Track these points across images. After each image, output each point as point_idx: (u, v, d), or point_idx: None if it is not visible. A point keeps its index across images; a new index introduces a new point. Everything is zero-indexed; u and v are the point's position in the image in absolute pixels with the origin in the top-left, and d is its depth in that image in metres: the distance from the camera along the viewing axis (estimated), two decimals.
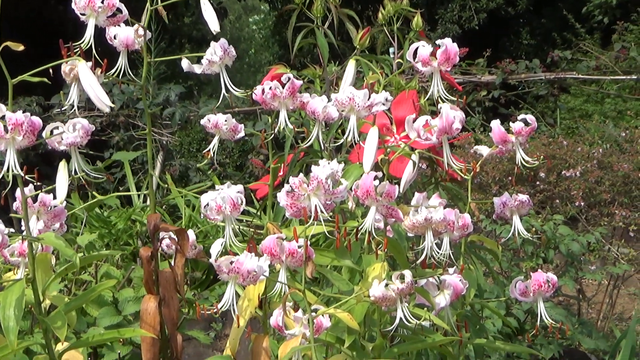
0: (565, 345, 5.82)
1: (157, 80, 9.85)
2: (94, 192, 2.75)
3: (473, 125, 9.20)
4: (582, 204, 6.73)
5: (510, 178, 6.75)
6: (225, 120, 2.77)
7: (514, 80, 9.05)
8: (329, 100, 2.58)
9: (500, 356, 5.43)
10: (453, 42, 2.66)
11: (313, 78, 3.76)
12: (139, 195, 8.10)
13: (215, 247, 2.25)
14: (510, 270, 5.96)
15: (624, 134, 7.78)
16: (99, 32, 2.46)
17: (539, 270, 2.78)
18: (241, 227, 2.76)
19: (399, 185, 2.63)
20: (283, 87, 2.62)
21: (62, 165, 2.36)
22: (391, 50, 4.55)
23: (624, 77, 8.60)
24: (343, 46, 3.65)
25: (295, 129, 2.74)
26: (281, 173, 3.06)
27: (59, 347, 2.48)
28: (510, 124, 2.72)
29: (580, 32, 11.77)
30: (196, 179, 9.31)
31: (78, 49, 2.35)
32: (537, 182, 6.83)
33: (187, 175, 9.42)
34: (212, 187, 2.50)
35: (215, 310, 2.23)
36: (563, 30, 14.55)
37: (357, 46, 3.37)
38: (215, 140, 2.80)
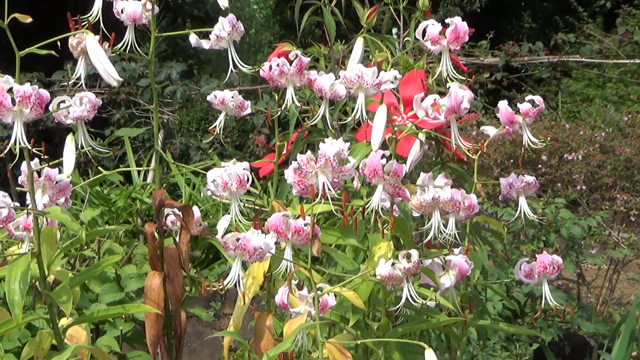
0: (565, 329, 5.83)
1: (159, 59, 9.82)
2: (99, 168, 2.73)
3: (475, 108, 9.18)
4: (584, 187, 6.73)
5: (511, 161, 6.75)
6: (232, 97, 2.76)
7: (517, 63, 9.01)
8: (337, 78, 2.57)
9: (500, 338, 5.44)
10: None
11: (318, 56, 3.75)
12: (138, 173, 8.09)
13: (222, 224, 2.24)
14: (511, 253, 5.96)
15: (626, 119, 7.77)
16: (106, 7, 2.44)
17: (544, 252, 2.77)
18: (245, 206, 2.76)
19: (405, 165, 2.62)
20: (290, 65, 2.59)
21: (70, 139, 2.34)
22: (394, 30, 4.54)
23: (627, 62, 8.56)
24: (349, 25, 3.64)
25: (302, 107, 2.73)
26: (285, 152, 3.05)
27: (63, 321, 2.47)
28: (518, 104, 2.71)
29: (582, 16, 11.74)
30: (196, 157, 9.30)
31: (86, 22, 2.33)
32: (539, 165, 6.83)
33: (187, 154, 9.41)
34: (214, 166, 2.49)
35: (221, 287, 2.22)
36: (565, 13, 14.51)
37: (364, 25, 3.35)
38: (221, 117, 2.78)
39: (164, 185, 7.69)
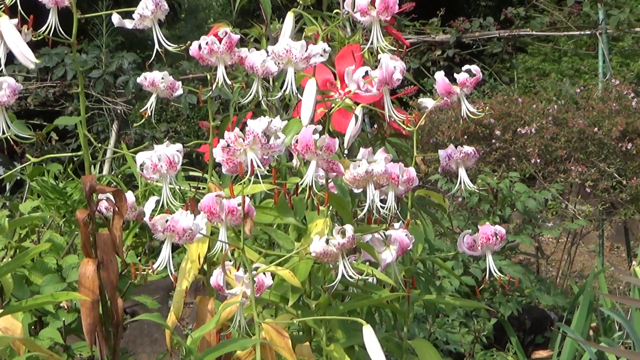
0: (525, 303, 5.84)
1: (110, 49, 9.71)
2: (28, 156, 2.67)
3: (430, 87, 9.17)
4: (538, 161, 6.73)
5: (465, 137, 6.74)
6: (162, 78, 2.71)
7: (469, 39, 9.01)
8: (268, 55, 2.53)
9: (459, 314, 5.43)
10: (413, 1, 2.62)
11: (259, 37, 3.70)
12: (94, 165, 8.01)
13: (149, 205, 2.21)
14: (467, 229, 5.94)
15: (579, 90, 7.78)
16: None
17: (487, 223, 2.74)
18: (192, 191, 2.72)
19: (343, 139, 2.59)
20: (220, 43, 2.55)
21: None
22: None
23: (577, 33, 8.56)
24: (288, 4, 3.58)
25: (234, 85, 2.69)
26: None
27: None
28: (455, 74, 2.69)
29: None
30: (151, 148, 9.21)
31: (2, 5, 2.27)
32: (493, 140, 6.82)
33: (142, 144, 9.33)
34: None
35: (151, 270, 2.18)
36: None
37: (300, 1, 3.31)
38: (152, 99, 2.73)
39: (119, 177, 7.62)
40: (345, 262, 2.28)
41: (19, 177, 7.15)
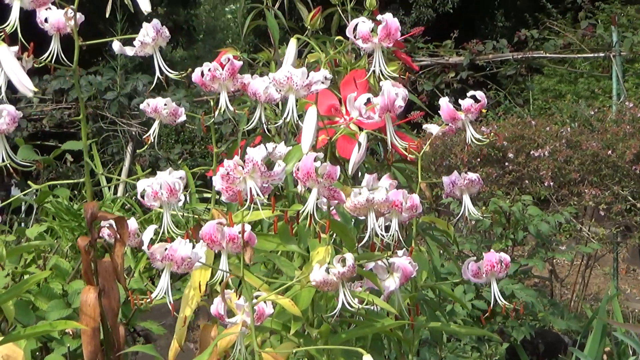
0: (538, 327, 5.80)
1: (128, 69, 9.77)
2: (30, 182, 2.67)
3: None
4: (552, 184, 6.70)
5: (478, 159, 6.71)
6: (165, 104, 2.71)
7: (482, 61, 8.99)
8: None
9: (471, 339, 5.39)
10: (427, 26, 2.60)
11: (268, 61, 3.71)
12: (109, 188, 8.03)
13: (148, 234, 2.20)
14: (479, 253, 5.91)
15: (593, 113, 7.75)
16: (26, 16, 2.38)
17: (492, 250, 2.72)
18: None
19: (346, 167, 2.58)
20: (223, 69, 2.55)
21: None
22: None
23: (591, 55, 8.54)
24: (294, 27, 3.59)
25: (236, 112, 2.69)
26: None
27: None
28: (459, 100, 2.67)
29: (552, 13, 11.71)
30: (165, 169, 9.22)
31: (2, 33, 2.27)
32: (506, 163, 6.80)
33: (157, 165, 9.35)
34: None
35: (149, 300, 2.17)
36: (536, 11, 14.53)
37: (308, 27, 3.31)
38: (155, 125, 2.74)
39: (134, 198, 7.63)
40: (346, 291, 2.25)
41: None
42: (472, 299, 5.36)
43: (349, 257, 2.23)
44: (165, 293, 2.19)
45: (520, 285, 5.59)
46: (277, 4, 3.54)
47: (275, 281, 2.52)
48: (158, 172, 2.48)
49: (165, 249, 2.15)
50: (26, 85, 2.19)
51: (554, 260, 7.10)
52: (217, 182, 2.20)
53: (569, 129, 7.03)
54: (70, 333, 3.40)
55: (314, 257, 2.36)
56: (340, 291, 2.26)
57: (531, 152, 6.73)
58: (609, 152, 6.58)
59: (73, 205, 6.82)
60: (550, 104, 11.06)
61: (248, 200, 2.16)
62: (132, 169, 8.85)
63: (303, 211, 2.30)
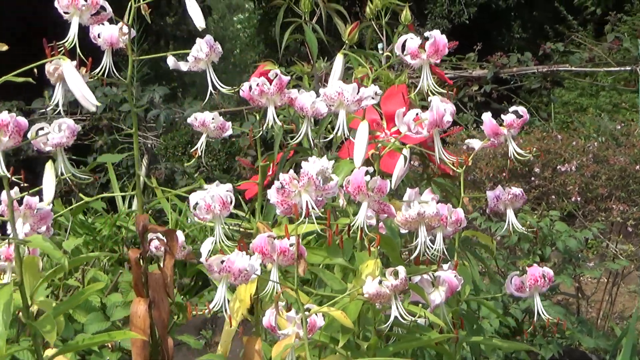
0: (565, 345, 5.85)
1: (141, 82, 9.86)
2: (81, 195, 2.77)
3: (466, 122, 9.21)
4: (579, 199, 6.76)
5: (504, 174, 6.78)
6: (213, 118, 2.81)
7: (506, 74, 9.03)
8: (318, 96, 2.61)
9: (499, 357, 5.45)
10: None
11: (301, 75, 3.79)
12: (123, 200, 8.10)
13: (206, 246, 2.28)
14: (506, 269, 5.97)
15: (619, 127, 7.82)
16: (82, 32, 2.49)
17: (535, 265, 2.81)
18: (230, 229, 2.79)
19: (390, 181, 2.66)
20: (270, 84, 2.64)
21: (49, 166, 2.39)
22: (379, 46, 4.59)
23: (617, 69, 8.61)
24: (332, 42, 3.68)
25: (284, 127, 2.78)
26: (270, 172, 3.10)
27: (48, 352, 2.50)
28: (502, 115, 2.76)
29: (572, 24, 11.81)
30: (182, 182, 9.31)
31: (62, 48, 2.38)
32: (532, 178, 6.86)
33: (173, 179, 9.43)
34: (199, 189, 2.53)
35: (207, 310, 2.26)
36: (555, 22, 14.61)
37: (346, 41, 3.40)
38: (202, 139, 2.84)
39: (149, 212, 7.72)
40: (398, 304, 2.35)
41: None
42: (498, 316, 5.43)
43: (401, 270, 2.32)
44: (222, 305, 2.27)
45: (548, 302, 5.66)
46: (315, 19, 3.62)
47: (322, 294, 2.62)
48: (205, 186, 2.57)
49: (223, 261, 2.24)
50: (90, 100, 2.30)
51: (580, 278, 7.15)
52: (273, 196, 2.30)
53: (595, 143, 7.10)
54: (109, 346, 3.50)
55: (363, 270, 2.44)
56: (392, 303, 2.35)
57: (558, 167, 6.80)
58: (637, 167, 6.65)
59: (87, 219, 6.93)
60: (573, 118, 11.14)
61: (303, 214, 2.26)
62: (147, 182, 8.92)
63: (354, 224, 2.40)
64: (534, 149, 2.84)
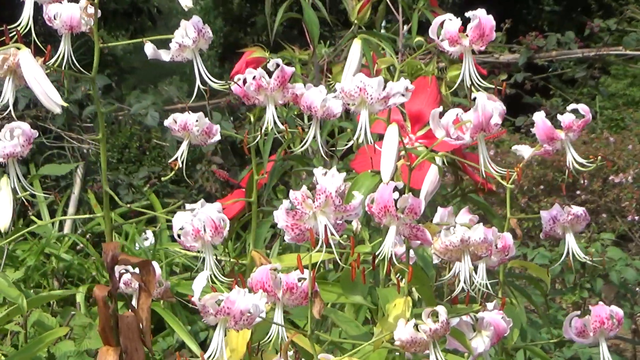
0: None
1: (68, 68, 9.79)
2: (33, 218, 2.79)
3: None
4: (636, 218, 6.76)
5: (541, 187, 6.80)
6: (197, 120, 2.80)
7: (543, 60, 8.86)
8: (329, 91, 2.62)
9: None
10: (455, 10, 2.70)
11: (292, 61, 3.79)
12: (52, 223, 8.02)
13: (199, 283, 2.26)
14: (546, 307, 6.00)
15: None
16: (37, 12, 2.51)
17: (600, 303, 2.86)
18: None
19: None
20: (270, 76, 2.64)
21: (4, 183, 2.40)
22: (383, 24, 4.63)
23: None
24: (334, 20, 3.69)
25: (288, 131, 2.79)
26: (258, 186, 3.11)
27: None
28: (559, 116, 2.76)
29: None
30: (128, 197, 9.23)
31: (14, 33, 2.40)
32: (578, 192, 6.86)
33: (116, 193, 9.36)
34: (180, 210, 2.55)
35: None
36: None
37: (355, 21, 3.40)
38: (183, 146, 2.84)
39: (86, 237, 7.69)
40: (438, 353, 2.37)
41: None
42: None
43: (442, 311, 2.34)
44: (218, 355, 2.29)
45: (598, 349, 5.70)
46: None
47: (340, 340, 2.65)
48: (187, 206, 2.59)
49: (220, 301, 2.23)
50: (53, 99, 2.31)
51: (636, 318, 7.20)
52: (281, 219, 2.29)
53: None
54: None
55: (390, 311, 2.46)
56: (431, 353, 2.37)
57: (610, 178, 6.80)
58: None
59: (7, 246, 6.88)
60: (623, 114, 11.14)
61: (321, 241, 2.26)
62: (83, 196, 8.82)
63: (379, 253, 2.40)
64: (599, 157, 2.86)
